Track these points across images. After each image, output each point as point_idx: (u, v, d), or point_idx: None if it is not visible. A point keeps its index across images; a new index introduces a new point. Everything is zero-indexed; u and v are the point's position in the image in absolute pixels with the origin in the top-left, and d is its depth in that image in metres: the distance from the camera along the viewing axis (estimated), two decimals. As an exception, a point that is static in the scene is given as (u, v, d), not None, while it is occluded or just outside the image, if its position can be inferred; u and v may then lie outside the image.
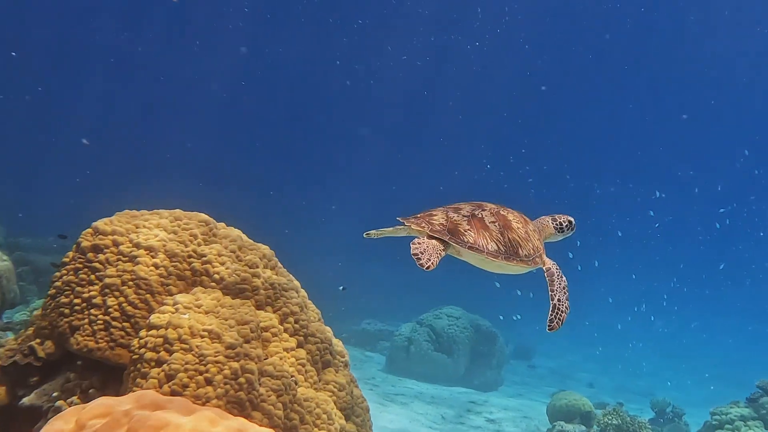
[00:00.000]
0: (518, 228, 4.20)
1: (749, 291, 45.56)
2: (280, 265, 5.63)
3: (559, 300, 4.24)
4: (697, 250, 44.14)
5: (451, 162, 45.07)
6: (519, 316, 25.72)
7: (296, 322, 5.24)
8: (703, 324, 39.54)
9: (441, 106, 45.29)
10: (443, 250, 3.93)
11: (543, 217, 4.60)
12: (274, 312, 5.16)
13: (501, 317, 28.17)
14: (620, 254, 40.90)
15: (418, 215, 4.10)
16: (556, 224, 4.58)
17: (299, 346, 5.20)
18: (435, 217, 4.04)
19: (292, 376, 4.88)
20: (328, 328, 5.64)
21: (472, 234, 3.99)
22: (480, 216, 4.11)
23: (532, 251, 4.19)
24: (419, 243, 3.87)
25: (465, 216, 4.07)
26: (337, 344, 5.70)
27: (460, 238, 3.95)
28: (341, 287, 17.06)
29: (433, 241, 3.92)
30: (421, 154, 46.52)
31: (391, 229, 4.35)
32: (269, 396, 4.52)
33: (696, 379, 30.43)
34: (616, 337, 31.66)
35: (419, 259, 3.78)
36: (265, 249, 5.48)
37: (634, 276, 36.80)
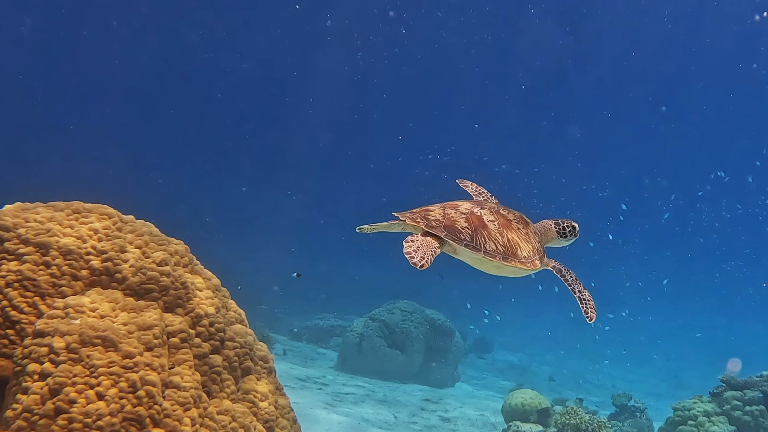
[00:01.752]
0: (518, 229, 4.19)
1: (710, 281, 45.98)
2: (196, 262, 5.21)
3: (580, 291, 4.30)
4: (657, 240, 44.31)
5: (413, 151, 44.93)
6: (469, 305, 25.52)
7: (211, 325, 4.80)
8: (666, 315, 39.73)
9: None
10: (438, 247, 3.89)
11: (545, 220, 4.57)
12: (186, 315, 4.71)
13: (486, 312, 28.13)
14: (584, 242, 40.97)
15: (414, 210, 4.07)
16: (559, 228, 4.54)
17: (214, 352, 4.77)
18: (431, 213, 4.01)
19: (204, 387, 4.45)
20: (250, 331, 5.22)
21: (470, 232, 3.97)
22: (479, 214, 4.08)
23: (531, 253, 4.17)
24: (413, 241, 3.82)
25: (463, 213, 4.04)
26: (260, 349, 5.28)
27: (456, 236, 3.92)
28: (295, 273, 16.55)
29: (428, 238, 3.88)
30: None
31: (384, 224, 4.26)
32: (174, 410, 4.09)
33: (658, 370, 30.51)
34: (578, 327, 31.53)
35: (412, 257, 3.72)
36: (177, 245, 5.03)
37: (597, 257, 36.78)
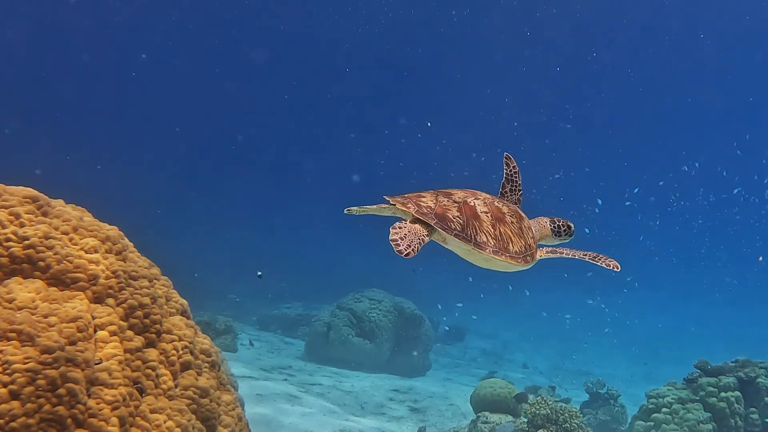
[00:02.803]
0: (512, 222, 4.13)
1: (677, 267, 46.27)
2: (132, 248, 4.89)
3: (584, 254, 4.32)
4: (628, 226, 44.42)
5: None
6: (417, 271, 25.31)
7: (146, 316, 4.48)
8: (639, 299, 39.83)
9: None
10: (427, 236, 3.82)
11: (541, 217, 4.53)
12: (118, 305, 4.38)
13: (460, 305, 28.00)
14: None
15: (406, 195, 3.99)
16: (554, 227, 4.51)
17: (149, 345, 4.45)
18: (423, 200, 3.94)
19: (136, 383, 4.15)
20: (191, 323, 4.92)
21: (461, 222, 3.90)
22: (472, 204, 4.02)
23: (523, 249, 4.13)
24: (400, 227, 3.75)
25: (456, 202, 3.98)
26: (202, 341, 4.97)
27: (447, 224, 3.85)
28: (258, 273, 16.38)
29: (417, 225, 3.82)
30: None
31: (374, 207, 4.16)
32: (101, 410, 3.78)
33: (631, 355, 30.53)
34: (552, 314, 31.49)
35: (398, 245, 3.64)
36: (110, 230, 4.70)
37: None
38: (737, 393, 11.31)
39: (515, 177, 4.65)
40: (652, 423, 11.37)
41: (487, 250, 3.93)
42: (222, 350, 16.04)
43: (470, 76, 43.56)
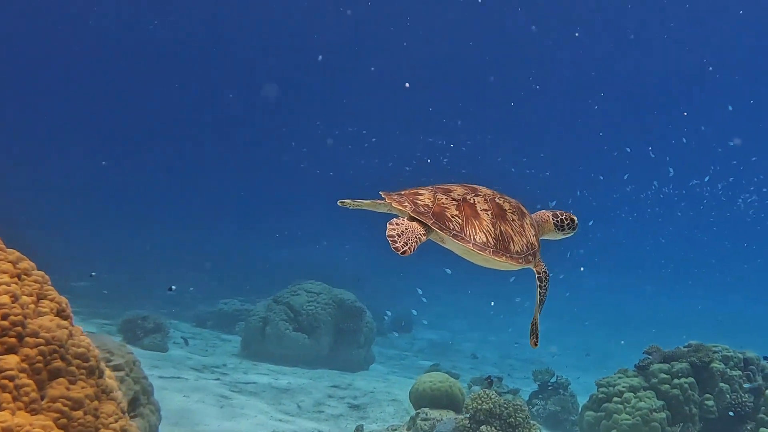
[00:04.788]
0: (513, 220, 4.00)
1: (637, 249, 46.68)
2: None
3: (537, 313, 4.24)
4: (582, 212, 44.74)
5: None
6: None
7: (4, 318, 3.88)
8: (596, 284, 40.02)
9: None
10: (424, 234, 3.71)
11: (543, 211, 4.42)
12: (-37, 306, 3.78)
13: (420, 292, 27.65)
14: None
15: (402, 192, 3.89)
16: (557, 221, 4.38)
17: (8, 351, 3.85)
18: (421, 197, 3.83)
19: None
20: (65, 323, 4.31)
21: (460, 221, 3.78)
22: (472, 202, 3.90)
23: (525, 248, 4.00)
24: (398, 224, 3.65)
25: (455, 200, 3.86)
26: (79, 344, 4.36)
27: (445, 224, 3.73)
28: (170, 287, 15.93)
29: (415, 223, 3.71)
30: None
31: (369, 201, 4.12)
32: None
33: (583, 341, 30.48)
34: (503, 301, 31.26)
35: (395, 242, 3.55)
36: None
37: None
38: (691, 379, 11.00)
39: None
40: (603, 413, 11.03)
41: (486, 251, 3.81)
42: (151, 350, 15.49)
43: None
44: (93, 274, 15.64)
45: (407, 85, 41.98)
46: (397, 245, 3.53)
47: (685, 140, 43.21)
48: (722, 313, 37.44)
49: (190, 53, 43.86)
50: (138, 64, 43.89)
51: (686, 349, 11.60)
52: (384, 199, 3.88)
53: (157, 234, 35.10)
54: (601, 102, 45.82)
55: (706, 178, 42.37)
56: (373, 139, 44.85)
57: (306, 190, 45.63)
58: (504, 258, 3.86)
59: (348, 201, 4.18)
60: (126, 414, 4.66)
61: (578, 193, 41.25)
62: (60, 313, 4.45)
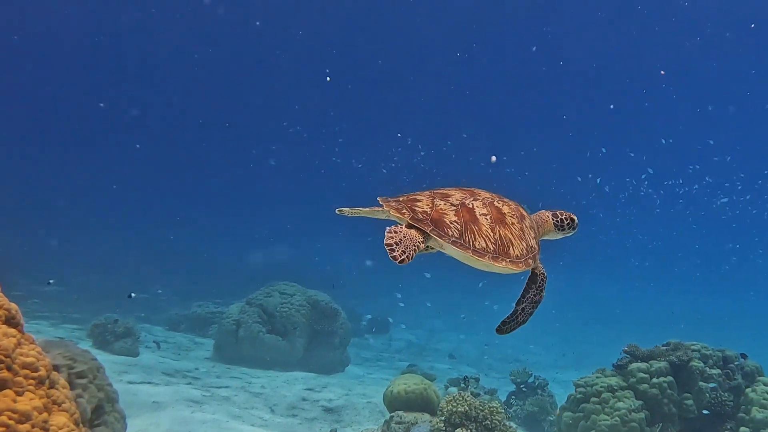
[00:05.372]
0: (512, 224, 4.00)
1: (615, 248, 46.90)
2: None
3: (522, 309, 4.15)
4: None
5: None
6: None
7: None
8: (573, 282, 40.07)
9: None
10: (423, 242, 3.70)
11: (542, 211, 4.43)
12: None
13: (399, 296, 27.56)
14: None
15: (400, 198, 3.90)
16: (557, 221, 4.40)
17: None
18: (419, 204, 3.83)
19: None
20: (12, 332, 4.11)
21: (459, 227, 3.78)
22: (470, 206, 3.90)
23: (524, 252, 3.99)
24: (396, 232, 3.64)
25: (453, 205, 3.86)
26: (27, 353, 4.15)
27: (443, 231, 3.73)
28: (130, 294, 15.79)
29: (413, 230, 3.70)
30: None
31: (367, 209, 4.09)
32: None
33: (561, 340, 30.43)
34: (479, 298, 31.17)
35: (393, 250, 3.54)
36: None
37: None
38: (670, 378, 10.85)
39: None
40: (582, 414, 10.87)
41: (486, 257, 3.81)
42: (121, 354, 15.25)
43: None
44: (51, 281, 15.50)
45: (328, 79, 42.28)
46: (395, 254, 3.52)
47: (663, 141, 43.47)
48: (701, 312, 37.57)
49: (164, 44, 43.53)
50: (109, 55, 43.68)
51: (665, 347, 11.46)
52: (382, 205, 3.87)
53: (130, 236, 34.88)
54: (577, 103, 46.14)
55: (681, 181, 42.67)
56: (340, 140, 44.90)
57: (277, 188, 45.62)
58: (504, 263, 3.85)
59: (346, 209, 4.15)
60: (81, 425, 4.44)
61: (552, 188, 41.35)
62: (9, 321, 4.24)
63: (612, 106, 45.50)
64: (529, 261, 4.02)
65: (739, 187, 43.63)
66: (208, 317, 21.75)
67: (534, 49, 43.17)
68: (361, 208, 4.11)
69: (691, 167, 43.18)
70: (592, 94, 46.37)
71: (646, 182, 41.62)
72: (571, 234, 4.48)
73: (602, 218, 45.66)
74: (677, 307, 36.56)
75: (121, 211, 39.71)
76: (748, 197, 44.06)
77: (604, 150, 42.76)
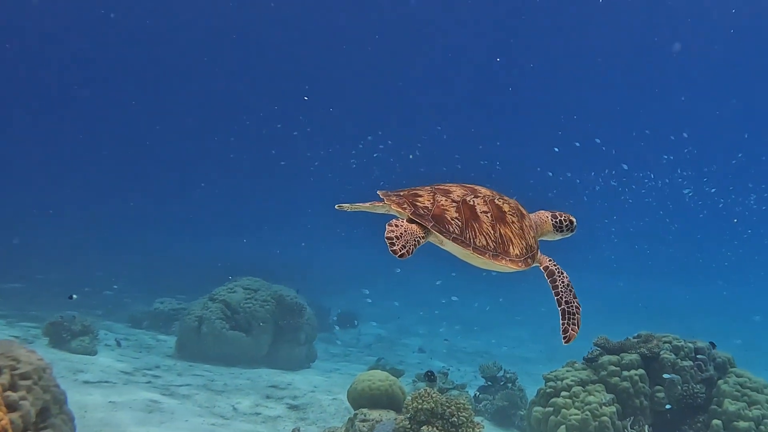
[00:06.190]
0: (513, 222, 4.01)
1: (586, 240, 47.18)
2: None
3: (567, 302, 4.14)
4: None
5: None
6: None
7: None
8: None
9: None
10: (423, 237, 3.70)
11: (541, 211, 4.45)
12: None
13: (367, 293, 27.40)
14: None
15: (401, 193, 3.88)
16: (556, 222, 4.41)
17: None
18: (420, 199, 3.82)
19: None
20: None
21: (459, 223, 3.77)
22: (471, 203, 3.90)
23: (524, 250, 4.01)
24: (397, 225, 3.63)
25: (454, 202, 3.85)
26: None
27: (444, 227, 3.73)
28: (71, 296, 15.45)
29: (414, 225, 3.69)
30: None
31: (367, 204, 4.10)
32: None
33: (533, 333, 30.37)
34: (450, 291, 31.02)
35: (393, 244, 3.52)
36: None
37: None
38: (641, 371, 10.66)
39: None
40: (551, 408, 10.62)
41: (486, 255, 3.81)
42: (78, 353, 14.83)
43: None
44: (73, 296, 15.34)
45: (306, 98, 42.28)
46: (395, 248, 3.50)
47: (634, 133, 43.66)
48: (669, 302, 37.72)
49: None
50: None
51: (636, 339, 11.28)
52: (382, 200, 3.87)
53: (94, 232, 34.45)
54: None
55: (651, 174, 42.86)
56: (295, 133, 44.76)
57: (238, 179, 45.46)
58: (504, 261, 3.86)
59: (346, 205, 4.14)
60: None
61: (524, 182, 41.35)
62: None
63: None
64: (528, 260, 4.03)
65: (705, 179, 43.99)
66: (171, 314, 21.33)
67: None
68: (360, 204, 4.10)
69: (665, 157, 43.44)
70: (567, 88, 46.45)
71: (613, 172, 41.88)
72: (569, 235, 4.48)
73: (572, 208, 45.93)
74: (648, 298, 36.72)
75: (85, 207, 39.28)
76: (713, 190, 44.40)
77: (577, 144, 42.72)
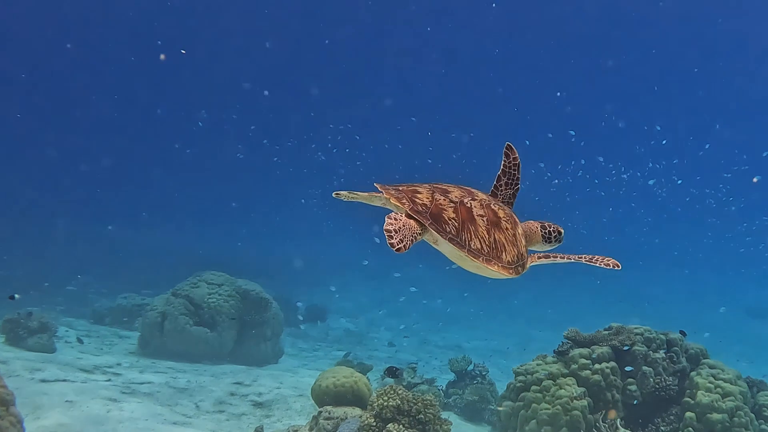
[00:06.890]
0: (507, 229, 4.01)
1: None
2: None
3: (579, 257, 4.26)
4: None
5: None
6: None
7: None
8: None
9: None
10: (420, 234, 3.72)
11: (531, 221, 4.43)
12: None
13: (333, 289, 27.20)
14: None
15: (400, 188, 3.89)
16: (545, 233, 4.40)
17: None
18: (419, 196, 3.83)
19: None
20: None
21: (456, 224, 3.79)
22: (468, 206, 3.90)
23: (516, 258, 4.02)
24: (396, 219, 3.64)
25: (452, 202, 3.86)
26: None
27: (441, 227, 3.75)
28: (12, 296, 15.12)
29: (412, 221, 3.71)
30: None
31: (365, 194, 4.05)
32: None
33: (504, 327, 30.28)
34: (422, 286, 30.84)
35: (391, 237, 3.53)
36: None
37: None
38: (613, 364, 10.50)
39: (514, 170, 4.37)
40: (522, 403, 10.45)
41: (480, 258, 3.81)
42: (36, 351, 14.44)
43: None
44: (16, 295, 14.99)
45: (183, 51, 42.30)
46: (393, 241, 3.50)
47: (603, 123, 43.84)
48: (637, 294, 37.74)
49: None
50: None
51: (607, 332, 11.13)
52: (381, 192, 3.86)
53: (57, 226, 33.92)
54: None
55: (623, 167, 43.07)
56: (253, 127, 44.71)
57: (194, 172, 45.31)
58: (496, 267, 3.87)
59: (343, 193, 4.08)
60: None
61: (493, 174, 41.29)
62: None
63: (558, 94, 45.82)
64: (519, 269, 4.03)
65: (674, 172, 44.22)
66: (134, 309, 20.91)
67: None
68: (359, 193, 4.05)
69: (638, 147, 43.70)
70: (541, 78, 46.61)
71: (582, 161, 41.98)
72: (556, 246, 4.46)
73: (540, 202, 46.19)
74: (617, 289, 36.78)
75: (48, 200, 38.78)
76: (680, 182, 44.64)
77: (550, 135, 42.82)
